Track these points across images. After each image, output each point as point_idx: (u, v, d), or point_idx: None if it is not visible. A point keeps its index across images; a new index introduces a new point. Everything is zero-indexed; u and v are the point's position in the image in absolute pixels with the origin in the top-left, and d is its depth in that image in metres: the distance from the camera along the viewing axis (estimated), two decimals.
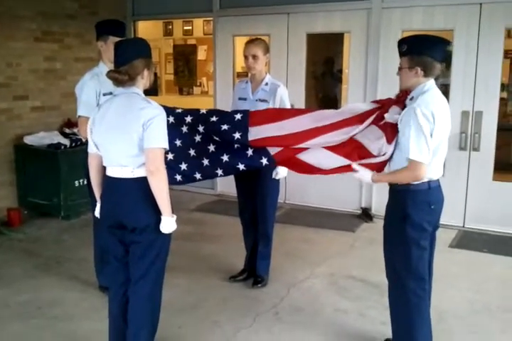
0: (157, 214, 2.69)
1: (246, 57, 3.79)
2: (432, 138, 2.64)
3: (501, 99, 5.63)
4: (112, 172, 2.74)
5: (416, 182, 2.73)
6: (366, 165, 2.95)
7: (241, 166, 3.30)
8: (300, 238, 5.08)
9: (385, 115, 2.86)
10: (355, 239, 5.05)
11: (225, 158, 3.30)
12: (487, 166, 5.17)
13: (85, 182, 3.79)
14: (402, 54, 2.77)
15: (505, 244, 4.89)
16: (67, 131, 5.97)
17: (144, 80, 2.75)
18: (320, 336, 3.30)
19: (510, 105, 6.26)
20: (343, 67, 6.91)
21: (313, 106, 7.02)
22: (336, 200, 5.92)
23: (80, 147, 5.43)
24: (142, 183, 2.65)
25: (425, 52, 2.69)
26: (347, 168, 3.02)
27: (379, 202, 5.51)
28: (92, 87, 3.60)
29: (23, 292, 3.89)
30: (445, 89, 5.30)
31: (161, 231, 2.71)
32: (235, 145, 3.29)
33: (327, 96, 8.43)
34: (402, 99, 2.86)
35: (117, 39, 3.45)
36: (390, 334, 3.04)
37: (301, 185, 6.06)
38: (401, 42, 2.79)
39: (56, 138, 5.72)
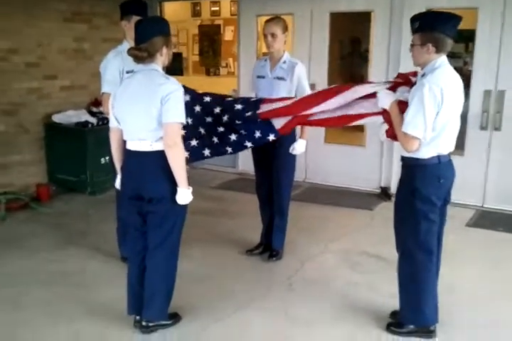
0: (173, 185, 2.82)
1: (265, 36, 3.85)
2: (438, 114, 2.69)
3: None
4: (132, 145, 2.87)
5: (426, 157, 2.79)
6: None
7: (248, 144, 3.47)
8: (317, 215, 5.16)
9: (396, 96, 2.90)
10: (372, 217, 5.11)
11: (233, 137, 3.45)
12: (508, 146, 5.12)
13: (110, 160, 3.94)
14: (414, 31, 2.81)
15: None
16: (94, 109, 6.13)
17: (162, 57, 2.86)
18: (331, 306, 3.41)
19: None
20: (370, 46, 6.89)
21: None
22: (356, 179, 5.97)
23: (106, 125, 5.54)
24: (160, 156, 2.78)
25: (437, 28, 2.72)
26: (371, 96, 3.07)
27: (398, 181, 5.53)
28: (115, 65, 3.73)
29: (50, 261, 4.09)
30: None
31: (177, 202, 2.84)
32: (243, 130, 3.42)
33: (354, 75, 8.44)
34: (408, 80, 2.90)
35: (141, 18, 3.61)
36: (397, 307, 3.12)
37: (321, 164, 6.13)
38: (413, 19, 2.82)
39: (84, 116, 5.90)
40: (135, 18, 3.64)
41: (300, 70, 3.89)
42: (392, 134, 2.95)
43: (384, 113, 2.97)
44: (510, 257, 4.18)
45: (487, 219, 5.02)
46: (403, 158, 2.93)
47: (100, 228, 4.76)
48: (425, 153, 2.79)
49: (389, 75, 5.55)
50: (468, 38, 5.37)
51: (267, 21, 3.90)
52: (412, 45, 2.84)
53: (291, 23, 6.11)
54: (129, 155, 2.93)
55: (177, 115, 2.76)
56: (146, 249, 3.00)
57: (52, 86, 5.95)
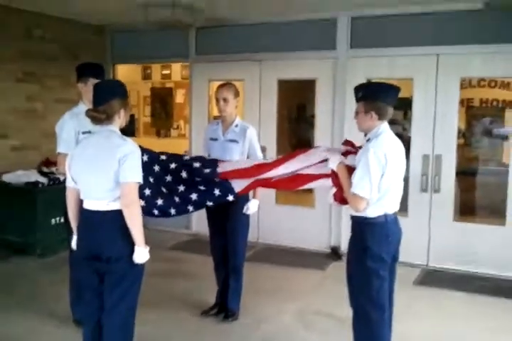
0: (131, 245, 2.85)
1: (217, 100, 4.06)
2: (383, 177, 2.91)
3: (464, 145, 6.02)
4: (89, 205, 2.92)
5: (374, 216, 2.97)
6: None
7: (209, 203, 3.61)
8: (272, 276, 5.24)
9: (344, 161, 3.13)
10: (324, 277, 5.24)
11: (194, 196, 3.58)
12: (447, 207, 5.46)
13: (62, 220, 3.93)
14: (358, 99, 3.07)
15: (466, 281, 5.13)
16: (45, 169, 6.10)
17: (120, 120, 2.97)
18: None
19: (469, 150, 6.62)
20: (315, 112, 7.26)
21: (286, 149, 7.30)
22: (307, 239, 6.12)
23: (57, 185, 5.56)
24: (116, 215, 2.83)
25: (379, 98, 3.00)
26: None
27: (348, 240, 5.72)
28: (71, 126, 3.81)
29: None
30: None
31: (134, 262, 2.87)
32: (202, 186, 3.56)
33: (301, 140, 8.80)
34: (354, 150, 3.17)
35: (97, 81, 3.74)
36: None
37: (274, 225, 6.27)
38: (357, 89, 3.10)
39: (34, 176, 5.84)
40: (92, 81, 3.78)
41: (252, 134, 4.10)
42: (339, 198, 3.16)
43: (333, 175, 3.18)
44: (455, 314, 4.38)
45: (432, 278, 5.24)
46: (352, 217, 3.10)
47: (51, 291, 4.64)
48: (372, 212, 2.97)
49: (334, 139, 5.90)
50: (406, 105, 5.78)
51: (220, 87, 4.12)
52: (357, 113, 3.09)
53: (241, 88, 6.42)
54: (85, 214, 2.96)
55: (134, 175, 2.84)
56: (102, 310, 2.98)
57: (3, 145, 5.92)
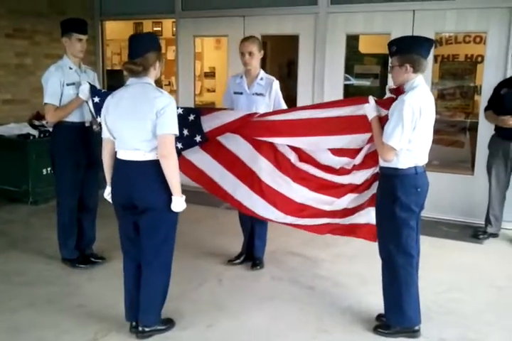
0: (167, 194, 2.93)
1: (242, 54, 4.02)
2: (415, 129, 2.95)
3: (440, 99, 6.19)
4: (125, 155, 2.97)
5: (405, 167, 3.04)
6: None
7: (179, 145, 3.74)
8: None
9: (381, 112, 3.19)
10: None
11: (179, 145, 3.72)
12: None
13: (52, 171, 4.21)
14: (392, 54, 3.08)
15: (433, 227, 5.45)
16: (36, 123, 6.33)
17: (155, 71, 3.02)
18: (255, 296, 3.80)
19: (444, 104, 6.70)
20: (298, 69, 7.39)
21: None
22: None
23: (48, 138, 5.77)
24: (153, 165, 2.91)
25: (413, 50, 3.00)
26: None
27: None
28: (57, 78, 3.99)
29: None
30: None
31: (170, 210, 2.96)
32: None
33: (290, 95, 8.94)
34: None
35: (80, 36, 4.02)
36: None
37: None
38: (391, 44, 3.10)
39: (25, 128, 6.07)
40: (76, 36, 4.01)
41: (277, 86, 4.07)
42: None
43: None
44: None
45: None
46: (382, 168, 3.17)
47: (42, 234, 4.95)
48: (404, 163, 3.03)
49: (314, 95, 6.08)
50: (384, 60, 5.91)
51: (244, 40, 4.09)
52: (392, 67, 3.09)
53: (226, 44, 6.57)
54: (121, 164, 3.01)
55: (171, 127, 2.88)
56: (139, 255, 3.08)
57: None
